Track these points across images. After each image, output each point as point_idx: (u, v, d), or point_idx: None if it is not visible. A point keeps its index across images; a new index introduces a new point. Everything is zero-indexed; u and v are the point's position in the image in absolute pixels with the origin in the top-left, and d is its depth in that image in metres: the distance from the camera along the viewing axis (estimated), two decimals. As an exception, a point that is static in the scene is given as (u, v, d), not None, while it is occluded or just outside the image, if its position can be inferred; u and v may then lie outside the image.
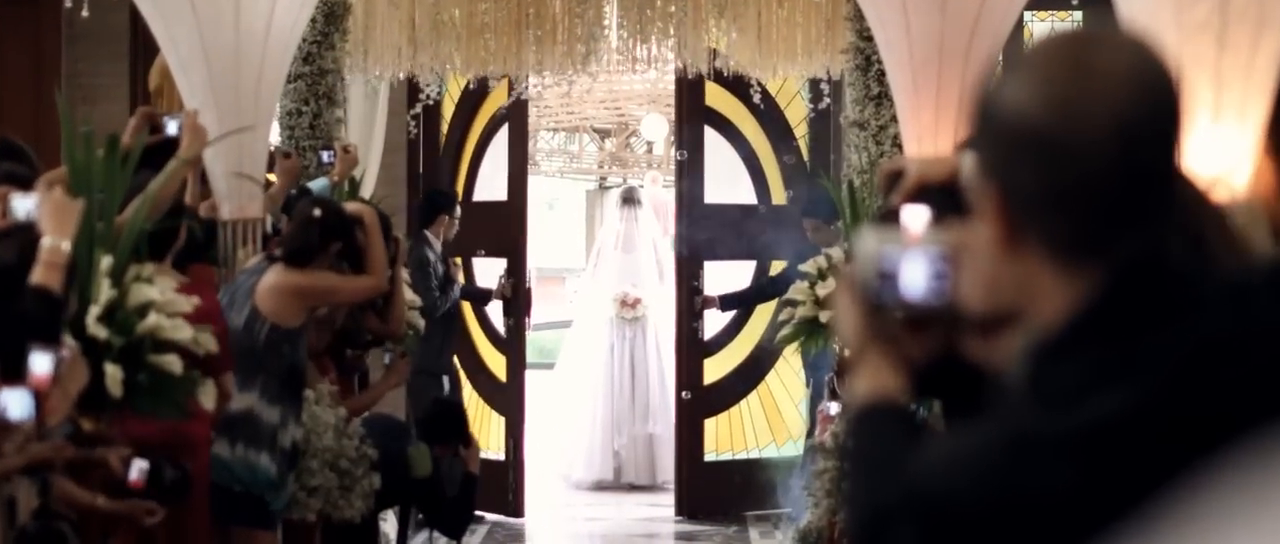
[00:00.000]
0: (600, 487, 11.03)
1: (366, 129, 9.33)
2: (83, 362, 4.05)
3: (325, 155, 7.58)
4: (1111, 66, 1.52)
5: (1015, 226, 1.56)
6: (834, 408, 7.46)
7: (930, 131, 7.14)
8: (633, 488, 10.99)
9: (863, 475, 1.65)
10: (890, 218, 3.38)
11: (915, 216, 3.33)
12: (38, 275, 3.82)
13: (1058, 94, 1.52)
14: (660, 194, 16.76)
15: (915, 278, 1.75)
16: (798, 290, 7.63)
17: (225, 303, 5.55)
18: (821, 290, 7.52)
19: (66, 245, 3.92)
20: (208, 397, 4.68)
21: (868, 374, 1.77)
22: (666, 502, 10.72)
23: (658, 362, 11.24)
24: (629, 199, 12.08)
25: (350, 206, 5.91)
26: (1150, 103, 1.52)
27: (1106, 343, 1.48)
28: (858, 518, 1.63)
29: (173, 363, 4.48)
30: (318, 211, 5.76)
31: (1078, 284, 1.52)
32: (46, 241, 3.89)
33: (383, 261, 5.92)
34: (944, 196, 3.33)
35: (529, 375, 13.37)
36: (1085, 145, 1.51)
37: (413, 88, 9.74)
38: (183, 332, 4.51)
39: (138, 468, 4.45)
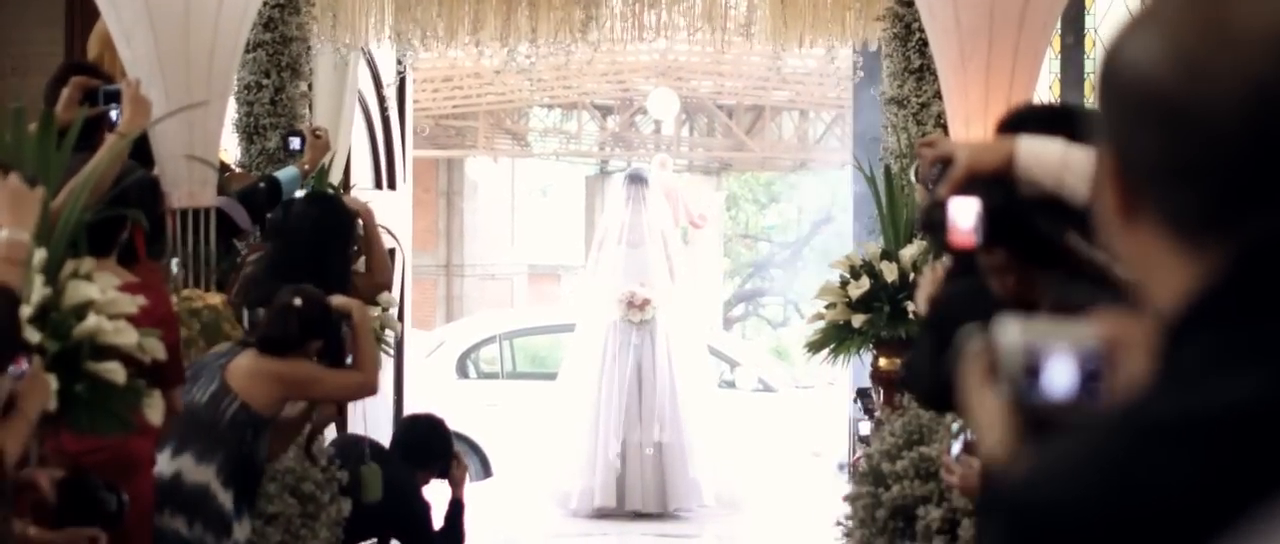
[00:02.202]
0: (602, 514, 10.98)
1: (335, 105, 9.34)
2: (45, 379, 4.05)
3: (293, 141, 7.57)
4: (1249, 22, 1.50)
5: (1133, 198, 1.56)
6: (865, 427, 7.47)
7: (979, 110, 7.14)
8: (638, 516, 10.94)
9: None
10: (936, 209, 3.38)
11: (964, 210, 3.34)
12: None
13: (1185, 52, 1.51)
14: (671, 180, 16.73)
15: (1065, 377, 1.78)
16: (828, 291, 7.63)
17: (187, 377, 5.57)
18: (854, 291, 7.52)
19: (27, 238, 3.94)
20: (154, 410, 4.67)
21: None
22: (678, 532, 10.68)
23: (669, 370, 11.17)
24: (635, 182, 11.95)
25: (336, 301, 5.92)
26: None
27: (1233, 326, 1.48)
28: None
29: (115, 371, 4.47)
30: (298, 301, 5.78)
31: (1201, 263, 1.52)
32: (4, 235, 3.91)
33: (374, 359, 5.97)
34: (996, 188, 3.34)
35: (522, 387, 13.43)
36: (1214, 111, 1.49)
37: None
38: (126, 336, 4.50)
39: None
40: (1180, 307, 1.52)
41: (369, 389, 6.03)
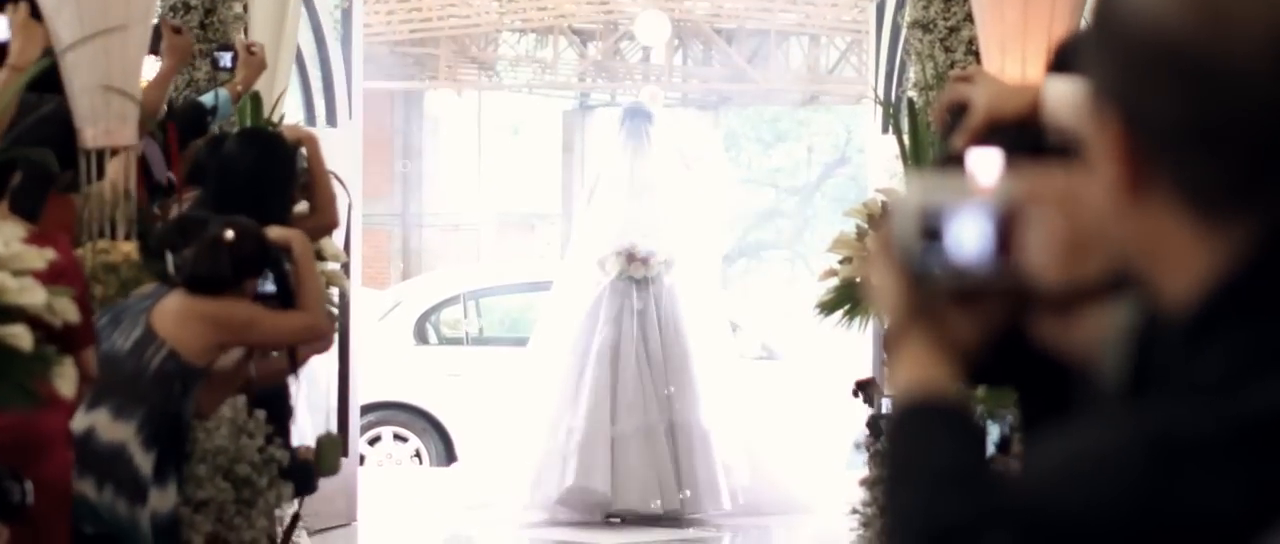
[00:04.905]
0: (600, 512, 10.66)
1: (275, 28, 9.30)
2: None
3: (224, 57, 7.48)
4: None
5: (1142, 168, 1.54)
6: (888, 404, 7.47)
7: (1016, 35, 7.13)
8: (656, 519, 10.60)
9: (913, 488, 1.65)
10: (953, 163, 3.38)
11: (985, 163, 3.33)
12: None
13: None
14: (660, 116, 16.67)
15: (969, 239, 1.75)
16: (843, 243, 7.64)
17: (104, 323, 5.55)
18: (872, 244, 7.53)
19: None
20: (66, 380, 4.66)
21: (909, 361, 1.77)
22: (691, 536, 10.50)
23: (678, 339, 10.80)
24: (636, 119, 11.64)
25: (274, 233, 5.87)
26: None
27: (1264, 319, 1.47)
28: (907, 540, 1.63)
29: (20, 336, 4.46)
30: (230, 234, 5.72)
31: (1223, 243, 1.50)
32: None
33: (320, 296, 5.94)
34: (1022, 137, 3.34)
35: (491, 353, 13.42)
36: (1240, 66, 1.48)
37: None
38: (34, 295, 4.49)
39: None
40: (1200, 296, 1.50)
41: (316, 332, 6.02)
